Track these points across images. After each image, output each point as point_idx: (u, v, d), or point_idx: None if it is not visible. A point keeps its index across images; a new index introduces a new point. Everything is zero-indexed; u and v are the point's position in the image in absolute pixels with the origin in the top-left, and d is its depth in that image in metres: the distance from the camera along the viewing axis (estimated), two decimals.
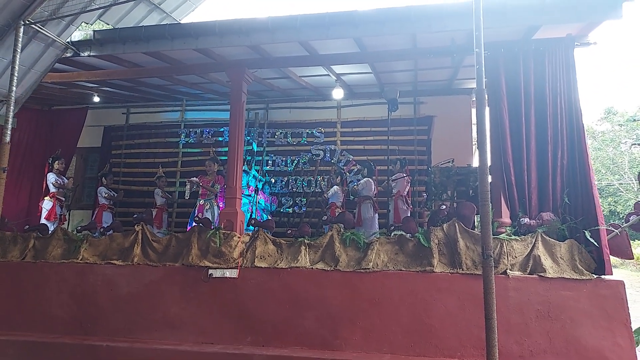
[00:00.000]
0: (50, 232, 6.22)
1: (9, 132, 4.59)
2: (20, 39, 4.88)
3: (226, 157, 7.44)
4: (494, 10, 4.71)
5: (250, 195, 7.76)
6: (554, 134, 5.04)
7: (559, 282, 4.58)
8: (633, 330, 4.39)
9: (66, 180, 7.70)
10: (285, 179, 8.47)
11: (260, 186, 8.10)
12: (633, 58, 42.27)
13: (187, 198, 7.45)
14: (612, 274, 4.54)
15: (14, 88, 4.68)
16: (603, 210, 4.79)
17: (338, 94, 7.61)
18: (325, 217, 6.31)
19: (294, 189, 8.41)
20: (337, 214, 6.41)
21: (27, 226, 6.42)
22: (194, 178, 7.33)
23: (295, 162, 8.53)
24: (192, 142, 8.97)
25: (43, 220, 7.16)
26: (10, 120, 4.60)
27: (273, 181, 8.40)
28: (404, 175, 7.00)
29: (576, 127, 4.97)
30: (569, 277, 4.58)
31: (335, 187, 7.26)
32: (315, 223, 7.41)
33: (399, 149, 7.85)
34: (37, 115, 9.00)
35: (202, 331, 5.23)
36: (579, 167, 4.89)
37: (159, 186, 7.95)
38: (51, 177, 7.49)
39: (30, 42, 5.53)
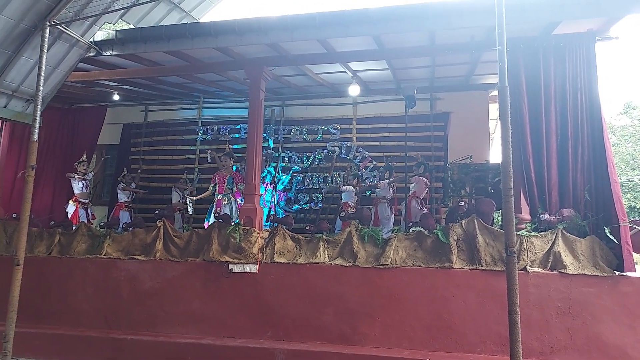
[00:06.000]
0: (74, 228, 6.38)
1: (36, 131, 4.70)
2: (46, 40, 4.99)
3: (242, 154, 7.59)
4: (513, 7, 4.67)
5: (266, 191, 7.85)
6: (574, 130, 5.00)
7: (579, 279, 4.57)
8: None
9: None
10: (302, 175, 8.53)
11: (276, 181, 8.19)
12: None
13: (190, 213, 7.94)
14: (634, 271, 4.51)
15: (41, 87, 4.79)
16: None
17: (354, 90, 7.63)
18: (343, 213, 6.34)
19: (310, 186, 8.47)
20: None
21: (53, 222, 6.58)
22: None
23: (311, 158, 8.58)
24: (209, 139, 9.07)
25: None
26: (38, 119, 4.71)
27: (290, 177, 8.47)
28: (426, 179, 6.97)
29: (597, 123, 4.93)
30: (589, 273, 4.57)
31: (349, 187, 7.31)
32: (332, 219, 7.46)
33: (415, 145, 7.84)
34: (59, 114, 9.17)
35: (224, 325, 5.33)
36: (600, 163, 4.85)
37: (176, 186, 8.16)
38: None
39: (55, 42, 5.68)
